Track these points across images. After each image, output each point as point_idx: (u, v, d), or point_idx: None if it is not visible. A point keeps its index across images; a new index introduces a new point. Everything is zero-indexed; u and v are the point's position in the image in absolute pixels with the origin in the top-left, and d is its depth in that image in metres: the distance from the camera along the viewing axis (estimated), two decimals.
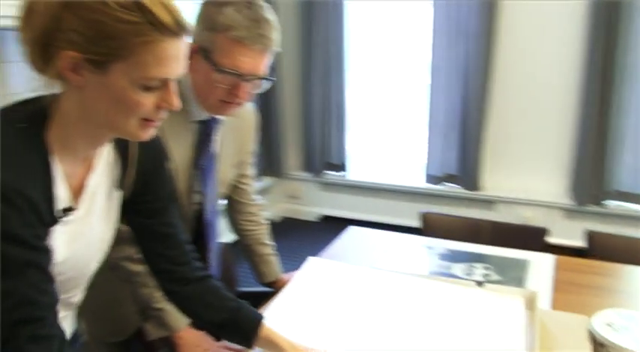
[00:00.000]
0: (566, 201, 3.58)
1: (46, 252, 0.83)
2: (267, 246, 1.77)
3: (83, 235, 0.95)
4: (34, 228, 0.80)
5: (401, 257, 1.86)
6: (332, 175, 4.23)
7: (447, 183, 3.85)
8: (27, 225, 0.79)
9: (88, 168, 0.94)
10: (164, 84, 0.85)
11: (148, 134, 0.90)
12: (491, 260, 1.84)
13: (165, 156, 1.10)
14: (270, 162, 4.23)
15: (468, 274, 1.74)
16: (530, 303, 1.40)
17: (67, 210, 0.89)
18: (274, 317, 1.31)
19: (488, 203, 3.77)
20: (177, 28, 0.81)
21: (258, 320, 1.15)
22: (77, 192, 0.93)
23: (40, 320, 0.80)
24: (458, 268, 1.80)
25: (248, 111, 1.61)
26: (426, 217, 2.18)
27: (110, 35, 0.78)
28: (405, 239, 2.03)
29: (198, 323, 1.26)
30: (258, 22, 1.26)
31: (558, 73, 3.47)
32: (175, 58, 0.84)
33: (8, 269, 0.77)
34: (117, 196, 1.02)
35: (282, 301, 1.42)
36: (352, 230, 2.14)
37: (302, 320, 1.33)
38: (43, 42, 0.79)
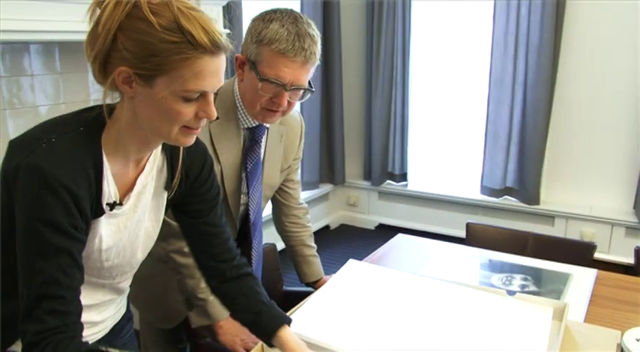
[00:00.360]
0: (629, 218, 3.46)
1: (80, 242, 0.95)
2: (311, 248, 1.86)
3: (127, 228, 1.07)
4: (73, 219, 0.92)
5: (441, 264, 1.90)
6: (392, 185, 4.28)
7: (504, 196, 3.81)
8: (68, 216, 0.91)
9: (139, 169, 1.07)
10: (202, 96, 0.95)
11: (190, 140, 1.01)
12: (532, 272, 1.85)
13: (210, 161, 1.20)
14: (330, 170, 4.33)
15: (505, 284, 1.76)
16: (559, 314, 1.41)
17: (114, 205, 1.02)
18: (307, 314, 1.40)
19: (547, 218, 3.70)
20: (213, 47, 0.92)
21: (280, 323, 1.21)
22: (127, 189, 1.05)
23: (61, 298, 0.91)
24: (496, 278, 1.82)
25: (295, 119, 1.71)
26: (470, 227, 2.21)
27: (155, 53, 0.90)
28: (449, 248, 2.07)
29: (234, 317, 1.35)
30: (300, 36, 1.36)
31: (624, 85, 3.38)
32: (212, 73, 0.94)
33: (44, 251, 0.90)
34: (164, 196, 1.14)
35: (316, 299, 1.51)
36: (399, 237, 2.20)
37: (332, 319, 1.40)
38: (102, 59, 0.93)
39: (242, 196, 1.59)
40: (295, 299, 1.52)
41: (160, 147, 1.10)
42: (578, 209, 3.60)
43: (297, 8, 3.72)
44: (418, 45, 4.01)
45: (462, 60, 3.91)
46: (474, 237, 2.20)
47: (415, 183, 4.22)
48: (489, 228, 2.24)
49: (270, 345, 1.22)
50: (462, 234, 2.25)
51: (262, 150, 1.60)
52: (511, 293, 1.54)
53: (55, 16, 1.94)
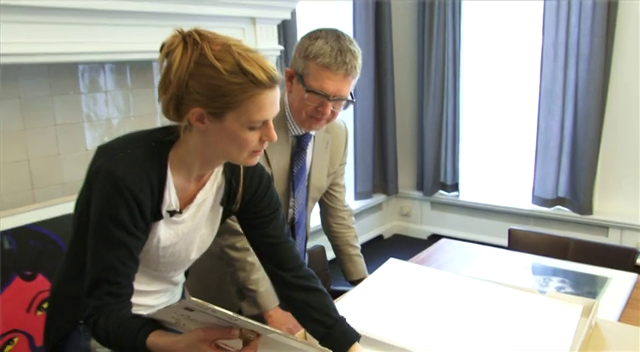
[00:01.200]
0: None
1: (137, 239, 1.11)
2: (355, 248, 1.98)
3: (185, 234, 1.22)
4: (135, 219, 1.09)
5: (481, 267, 1.98)
6: (444, 195, 4.34)
7: (556, 206, 3.80)
8: (130, 215, 1.08)
9: (200, 184, 1.22)
10: (265, 123, 1.10)
11: (255, 161, 1.16)
12: (570, 275, 1.90)
13: (266, 180, 1.31)
14: (383, 180, 4.43)
15: (542, 286, 1.82)
16: (588, 312, 1.47)
17: (173, 212, 1.17)
18: (347, 307, 1.52)
19: (601, 228, 3.66)
20: (270, 82, 1.06)
21: (351, 339, 1.29)
22: (187, 201, 1.20)
23: (117, 283, 1.08)
24: (533, 280, 1.88)
25: (340, 128, 1.85)
26: (512, 233, 2.27)
27: (224, 93, 1.04)
28: (490, 251, 2.14)
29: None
30: (342, 52, 1.51)
31: None
32: (271, 104, 1.08)
33: (107, 243, 1.08)
34: (220, 210, 1.28)
35: (355, 294, 1.63)
36: (443, 241, 2.29)
37: (370, 313, 1.52)
38: (176, 102, 1.08)
39: (290, 199, 1.73)
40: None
41: (221, 168, 1.24)
42: (633, 219, 3.54)
43: (349, 16, 3.87)
44: (469, 55, 4.08)
45: (511, 70, 3.95)
46: (517, 243, 2.26)
47: (467, 193, 4.26)
48: (531, 234, 2.29)
49: None
50: None
51: (309, 156, 1.75)
52: (543, 292, 1.60)
53: (127, 38, 2.18)
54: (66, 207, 2.11)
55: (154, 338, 1.00)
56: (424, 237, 4.48)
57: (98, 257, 1.09)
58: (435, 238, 4.38)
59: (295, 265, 1.33)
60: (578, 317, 1.46)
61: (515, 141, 4.04)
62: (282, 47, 2.98)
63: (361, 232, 4.35)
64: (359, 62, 1.56)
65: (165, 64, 1.08)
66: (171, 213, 1.17)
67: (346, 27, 3.96)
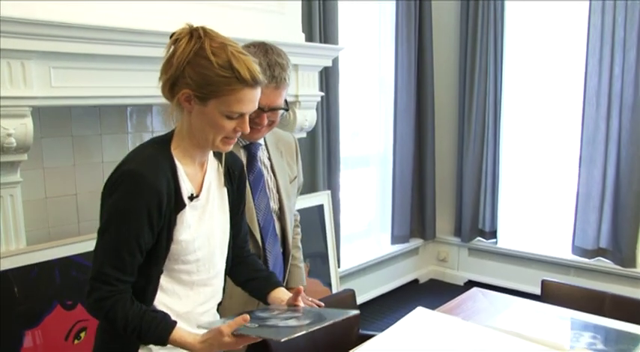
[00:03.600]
0: None
1: (147, 232, 1.23)
2: (294, 258, 1.97)
3: (206, 219, 1.35)
4: (150, 213, 1.22)
5: (510, 318, 1.96)
6: (482, 242, 4.30)
7: (597, 258, 3.70)
8: (147, 208, 1.21)
9: (204, 170, 1.37)
10: (241, 116, 1.26)
11: (227, 147, 1.31)
12: (603, 331, 1.85)
13: (244, 172, 1.51)
14: (421, 225, 4.42)
15: (572, 341, 1.78)
16: None
17: (192, 197, 1.31)
18: None
19: None
20: (253, 82, 1.23)
21: (275, 284, 1.50)
22: (199, 186, 1.34)
23: (122, 271, 1.22)
24: (564, 334, 1.84)
25: (289, 138, 1.96)
26: (545, 284, 2.23)
27: (211, 83, 1.21)
28: (522, 302, 2.11)
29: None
30: (271, 66, 1.62)
31: None
32: (249, 101, 1.25)
33: (120, 234, 1.22)
34: (224, 191, 1.43)
35: (380, 340, 1.64)
36: (474, 290, 2.28)
37: None
38: (172, 82, 1.25)
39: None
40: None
41: (211, 153, 1.40)
42: None
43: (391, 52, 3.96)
44: (510, 101, 4.09)
45: (552, 117, 3.94)
46: (550, 294, 2.22)
47: (505, 240, 4.20)
48: (565, 286, 2.25)
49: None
50: None
51: (267, 165, 1.81)
52: (572, 347, 1.58)
53: None
54: None
55: (178, 332, 1.22)
56: (460, 283, 4.42)
57: (109, 246, 1.23)
58: (471, 284, 4.31)
59: (245, 243, 1.57)
60: None
61: (556, 189, 3.99)
62: (322, 93, 3.07)
63: (397, 276, 4.34)
64: (288, 73, 1.67)
65: (171, 49, 1.25)
66: (191, 198, 1.31)
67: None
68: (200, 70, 1.21)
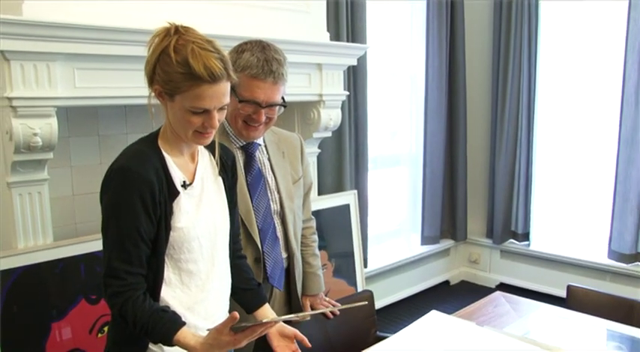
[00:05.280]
0: None
1: (147, 222, 1.26)
2: (311, 266, 1.96)
3: (204, 206, 1.37)
4: (145, 202, 1.25)
5: (531, 324, 1.91)
6: (514, 244, 4.20)
7: (635, 263, 3.56)
8: (142, 199, 1.25)
9: (195, 162, 1.40)
10: (205, 111, 1.27)
11: (202, 141, 1.33)
12: (628, 341, 1.79)
13: (235, 162, 1.53)
14: (452, 226, 4.36)
15: (594, 350, 1.73)
16: None
17: (185, 184, 1.34)
18: None
19: None
20: (209, 78, 1.24)
21: (263, 300, 1.56)
22: (192, 176, 1.38)
23: (130, 263, 1.26)
24: (586, 342, 1.79)
25: (294, 138, 1.93)
26: (571, 290, 2.17)
27: (171, 79, 1.25)
28: (545, 308, 2.06)
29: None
30: (268, 61, 1.61)
31: None
32: (210, 97, 1.26)
33: (122, 227, 1.25)
34: (220, 181, 1.45)
35: (392, 342, 1.63)
36: (497, 294, 2.23)
37: None
38: (149, 77, 1.30)
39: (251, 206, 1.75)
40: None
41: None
42: None
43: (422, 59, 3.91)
44: (544, 100, 3.99)
45: (589, 116, 3.82)
46: (575, 300, 2.15)
47: (538, 243, 4.09)
48: (591, 292, 2.18)
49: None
50: None
51: (266, 166, 1.79)
52: None
53: None
54: None
55: (182, 333, 1.23)
56: (492, 285, 4.33)
57: (113, 240, 1.26)
58: (503, 287, 4.23)
59: (236, 243, 1.57)
60: None
61: (591, 191, 3.86)
62: (347, 92, 3.05)
63: (428, 276, 4.29)
64: (285, 69, 1.66)
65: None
66: (185, 186, 1.34)
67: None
68: (164, 66, 1.26)
